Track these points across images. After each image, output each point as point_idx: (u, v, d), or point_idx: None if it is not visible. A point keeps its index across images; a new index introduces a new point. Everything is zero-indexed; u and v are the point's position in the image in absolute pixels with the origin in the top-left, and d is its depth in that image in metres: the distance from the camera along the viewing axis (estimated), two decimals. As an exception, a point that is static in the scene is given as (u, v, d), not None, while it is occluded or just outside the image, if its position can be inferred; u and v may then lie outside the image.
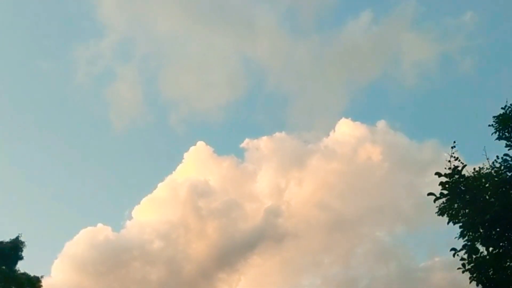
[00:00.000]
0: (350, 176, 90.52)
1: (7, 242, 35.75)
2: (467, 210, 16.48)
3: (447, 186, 16.52)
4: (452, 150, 16.75)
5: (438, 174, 16.61)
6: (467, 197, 16.27)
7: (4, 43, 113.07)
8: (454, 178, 16.51)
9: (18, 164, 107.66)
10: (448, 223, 16.80)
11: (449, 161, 16.65)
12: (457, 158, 16.66)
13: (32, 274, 36.00)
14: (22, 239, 36.11)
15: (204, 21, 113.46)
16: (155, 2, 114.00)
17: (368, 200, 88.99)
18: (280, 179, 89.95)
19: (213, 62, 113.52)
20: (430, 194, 16.58)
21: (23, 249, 35.98)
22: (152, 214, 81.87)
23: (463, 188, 16.46)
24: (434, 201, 16.51)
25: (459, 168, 16.61)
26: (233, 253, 78.63)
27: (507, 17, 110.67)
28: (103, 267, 73.78)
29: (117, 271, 73.83)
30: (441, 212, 17.09)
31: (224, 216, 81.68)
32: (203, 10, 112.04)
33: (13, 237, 36.03)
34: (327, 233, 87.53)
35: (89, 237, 77.51)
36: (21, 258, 35.93)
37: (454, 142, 16.94)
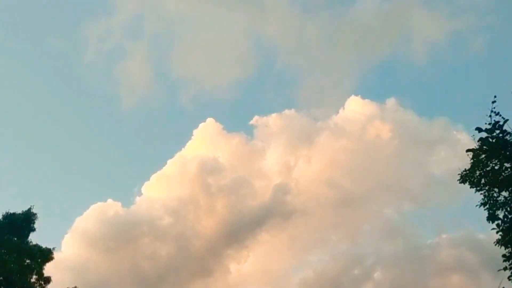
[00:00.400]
0: (359, 154, 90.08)
1: (19, 214, 35.29)
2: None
3: (486, 142, 15.71)
4: (493, 105, 15.90)
5: (478, 129, 15.81)
6: (507, 153, 15.48)
7: (15, 20, 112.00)
8: (494, 133, 15.68)
9: (29, 139, 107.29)
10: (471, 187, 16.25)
11: (490, 116, 15.83)
12: (498, 113, 15.81)
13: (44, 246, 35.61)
14: (34, 211, 35.66)
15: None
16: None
17: (377, 177, 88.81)
18: (289, 156, 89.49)
19: (223, 41, 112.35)
20: (469, 150, 15.80)
21: (35, 221, 35.62)
22: (162, 190, 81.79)
23: (503, 144, 15.68)
24: (473, 157, 15.74)
25: (501, 123, 15.76)
26: (241, 229, 78.66)
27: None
28: (113, 242, 74.00)
29: (126, 247, 74.01)
30: (463, 180, 16.58)
31: (233, 193, 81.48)
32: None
33: (25, 209, 35.58)
34: (335, 211, 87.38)
35: (99, 212, 77.56)
36: (33, 230, 35.56)
37: (495, 96, 16.12)
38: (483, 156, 15.83)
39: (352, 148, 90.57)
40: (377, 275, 75.85)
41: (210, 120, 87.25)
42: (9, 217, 34.94)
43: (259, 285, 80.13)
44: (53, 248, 35.83)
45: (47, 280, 35.66)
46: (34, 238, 35.94)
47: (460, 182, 16.54)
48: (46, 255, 35.37)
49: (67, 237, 71.68)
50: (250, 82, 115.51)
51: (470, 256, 75.12)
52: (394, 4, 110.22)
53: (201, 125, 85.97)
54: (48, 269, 35.99)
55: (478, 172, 16.08)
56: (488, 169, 15.82)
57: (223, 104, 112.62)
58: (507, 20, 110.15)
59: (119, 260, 73.02)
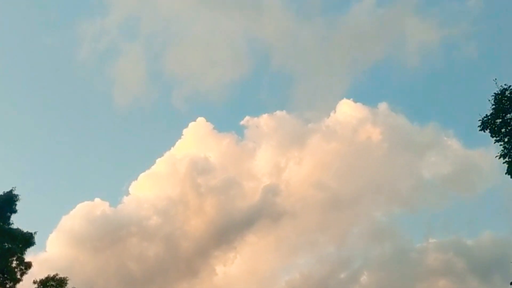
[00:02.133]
0: (350, 157, 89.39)
1: (0, 195, 33.54)
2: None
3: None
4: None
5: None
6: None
7: (10, 18, 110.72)
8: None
9: (18, 134, 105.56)
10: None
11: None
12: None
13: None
14: (16, 192, 33.97)
15: (210, 0, 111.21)
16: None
17: (367, 180, 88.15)
18: (280, 158, 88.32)
19: (218, 42, 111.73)
20: (495, 94, 14.59)
21: (16, 202, 33.81)
22: (150, 189, 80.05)
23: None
24: (495, 103, 14.52)
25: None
26: (230, 231, 77.41)
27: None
28: (100, 242, 72.01)
29: (114, 247, 72.03)
30: (483, 126, 15.51)
31: (223, 193, 79.94)
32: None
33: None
34: (324, 213, 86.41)
35: (86, 211, 75.66)
36: (15, 211, 33.81)
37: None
38: (507, 103, 14.64)
39: (343, 151, 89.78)
40: (363, 278, 75.16)
41: (200, 120, 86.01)
42: (-12, 198, 33.26)
43: (245, 287, 78.65)
44: (35, 233, 34.21)
45: (28, 265, 34.04)
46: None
47: (480, 130, 15.35)
48: (27, 239, 33.68)
49: (52, 236, 69.65)
50: (243, 83, 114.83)
51: (457, 260, 74.69)
52: (388, 9, 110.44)
53: (192, 124, 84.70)
54: (32, 270, 34.69)
55: (499, 121, 14.90)
56: (509, 116, 14.65)
57: (215, 104, 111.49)
58: (498, 27, 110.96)
59: (106, 261, 71.00)
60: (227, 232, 77.13)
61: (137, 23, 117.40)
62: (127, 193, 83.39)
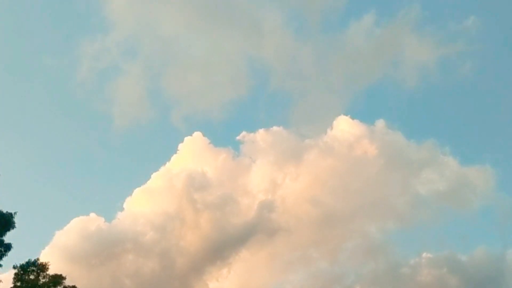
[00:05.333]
0: (346, 173, 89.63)
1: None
2: None
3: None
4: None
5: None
6: None
7: (10, 37, 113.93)
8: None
9: (17, 149, 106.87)
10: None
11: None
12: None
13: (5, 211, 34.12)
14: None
15: (210, 21, 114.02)
16: (163, 1, 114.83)
17: (362, 196, 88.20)
18: (276, 173, 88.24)
19: (218, 62, 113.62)
20: None
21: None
22: (146, 205, 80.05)
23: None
24: None
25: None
26: (225, 246, 76.91)
27: (509, 22, 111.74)
28: (95, 258, 71.36)
29: (108, 263, 71.64)
30: None
31: (218, 209, 79.86)
32: (210, 10, 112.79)
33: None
34: (319, 228, 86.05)
35: (81, 227, 75.21)
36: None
37: None
38: None
39: (340, 167, 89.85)
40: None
41: (197, 134, 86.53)
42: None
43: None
44: (15, 213, 34.19)
45: (8, 247, 34.14)
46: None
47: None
48: (7, 220, 33.77)
49: (45, 252, 67.98)
50: (242, 102, 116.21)
51: (451, 276, 74.39)
52: (386, 29, 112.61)
53: (188, 138, 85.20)
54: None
55: None
56: None
57: (212, 121, 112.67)
58: (494, 46, 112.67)
59: (101, 277, 70.55)
60: (222, 248, 76.59)
61: (138, 43, 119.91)
62: (122, 209, 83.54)
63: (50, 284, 35.99)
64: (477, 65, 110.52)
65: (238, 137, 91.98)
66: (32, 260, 37.15)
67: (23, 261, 36.44)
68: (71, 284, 36.83)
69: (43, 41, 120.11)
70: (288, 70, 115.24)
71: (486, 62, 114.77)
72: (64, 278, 36.65)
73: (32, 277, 36.02)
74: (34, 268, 36.73)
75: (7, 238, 33.99)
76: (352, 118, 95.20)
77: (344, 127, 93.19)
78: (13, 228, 34.45)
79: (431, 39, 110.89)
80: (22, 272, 36.49)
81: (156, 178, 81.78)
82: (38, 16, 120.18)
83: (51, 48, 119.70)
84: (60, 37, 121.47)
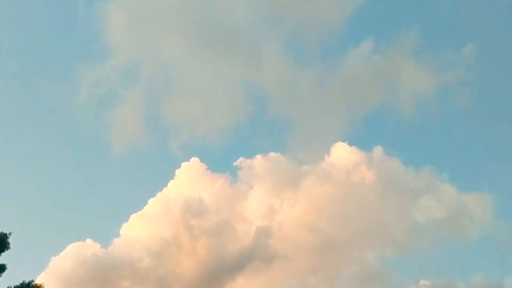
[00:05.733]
0: (344, 199, 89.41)
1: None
2: None
3: None
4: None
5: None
6: None
7: (11, 62, 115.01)
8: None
9: (12, 174, 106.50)
10: None
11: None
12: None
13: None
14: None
15: (209, 48, 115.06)
16: (162, 29, 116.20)
17: (360, 223, 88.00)
18: (273, 199, 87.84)
19: (217, 88, 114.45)
20: None
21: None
22: (142, 230, 79.61)
23: None
24: None
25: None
26: (222, 273, 76.22)
27: (507, 51, 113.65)
28: (91, 284, 70.77)
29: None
30: None
31: (215, 235, 79.43)
32: (209, 37, 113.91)
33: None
34: (317, 255, 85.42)
35: (77, 253, 74.72)
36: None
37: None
38: None
39: (337, 193, 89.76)
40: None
41: (194, 160, 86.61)
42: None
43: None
44: (10, 234, 33.99)
45: (2, 268, 33.86)
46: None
47: None
48: (1, 240, 33.47)
49: (40, 278, 67.59)
50: (240, 128, 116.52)
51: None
52: (384, 57, 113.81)
53: (185, 164, 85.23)
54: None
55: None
56: None
57: (210, 147, 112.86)
58: (491, 75, 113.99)
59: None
60: (219, 274, 75.95)
61: (137, 69, 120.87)
62: (118, 235, 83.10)
63: (45, 307, 35.53)
64: (475, 93, 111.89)
65: (235, 163, 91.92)
66: (27, 281, 36.63)
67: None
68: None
69: (43, 67, 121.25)
70: (286, 97, 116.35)
71: (483, 90, 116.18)
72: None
73: (26, 299, 35.58)
74: (29, 290, 36.22)
75: (2, 259, 33.90)
76: (350, 144, 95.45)
77: (342, 153, 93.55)
78: (7, 249, 34.33)
79: (429, 67, 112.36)
80: (16, 293, 36.03)
81: (153, 204, 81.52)
82: (39, 41, 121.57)
83: (50, 74, 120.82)
84: (60, 63, 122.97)
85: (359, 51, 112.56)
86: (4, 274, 33.66)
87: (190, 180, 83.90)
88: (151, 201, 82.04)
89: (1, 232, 33.70)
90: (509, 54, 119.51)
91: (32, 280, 37.03)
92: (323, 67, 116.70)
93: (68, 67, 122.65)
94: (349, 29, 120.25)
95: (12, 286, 36.37)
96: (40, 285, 36.66)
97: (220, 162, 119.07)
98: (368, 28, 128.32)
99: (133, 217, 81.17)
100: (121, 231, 79.89)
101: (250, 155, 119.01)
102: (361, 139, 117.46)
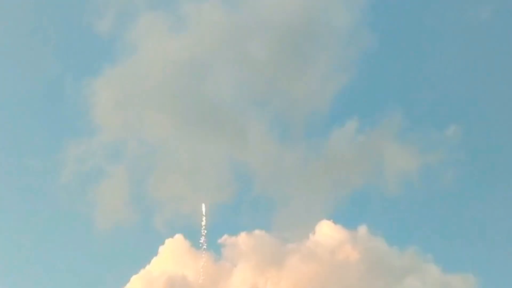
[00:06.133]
0: (328, 278, 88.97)
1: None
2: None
3: None
4: None
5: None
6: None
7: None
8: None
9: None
10: None
11: None
12: None
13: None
14: None
15: (196, 127, 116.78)
16: (149, 108, 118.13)
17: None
18: (258, 278, 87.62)
19: (202, 167, 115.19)
20: None
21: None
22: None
23: None
24: None
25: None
26: None
27: (490, 131, 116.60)
28: None
29: None
30: None
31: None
32: (195, 117, 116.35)
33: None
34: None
35: None
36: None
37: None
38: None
39: (321, 272, 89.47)
40: None
41: (178, 236, 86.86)
42: None
43: None
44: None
45: None
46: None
47: None
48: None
49: None
50: (225, 206, 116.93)
51: None
52: (368, 137, 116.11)
53: (169, 240, 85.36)
54: None
55: None
56: None
57: (195, 224, 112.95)
58: (475, 155, 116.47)
59: None
60: None
61: (123, 146, 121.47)
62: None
63: None
64: (459, 173, 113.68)
65: (219, 240, 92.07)
66: None
67: None
68: None
69: (28, 143, 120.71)
70: (271, 175, 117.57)
71: (467, 170, 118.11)
72: None
73: None
74: None
75: None
76: (335, 222, 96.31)
77: (327, 231, 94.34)
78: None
79: (413, 147, 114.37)
80: None
81: (136, 281, 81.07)
82: (24, 117, 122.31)
83: (35, 150, 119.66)
84: (45, 139, 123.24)
85: (344, 130, 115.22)
86: None
87: (174, 257, 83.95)
88: (133, 278, 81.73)
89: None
90: (492, 134, 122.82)
91: None
92: (307, 146, 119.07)
93: (54, 143, 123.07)
94: (333, 109, 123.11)
95: None
96: None
97: (205, 239, 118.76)
98: (352, 108, 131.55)
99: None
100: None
101: (234, 232, 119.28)
102: (346, 218, 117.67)
